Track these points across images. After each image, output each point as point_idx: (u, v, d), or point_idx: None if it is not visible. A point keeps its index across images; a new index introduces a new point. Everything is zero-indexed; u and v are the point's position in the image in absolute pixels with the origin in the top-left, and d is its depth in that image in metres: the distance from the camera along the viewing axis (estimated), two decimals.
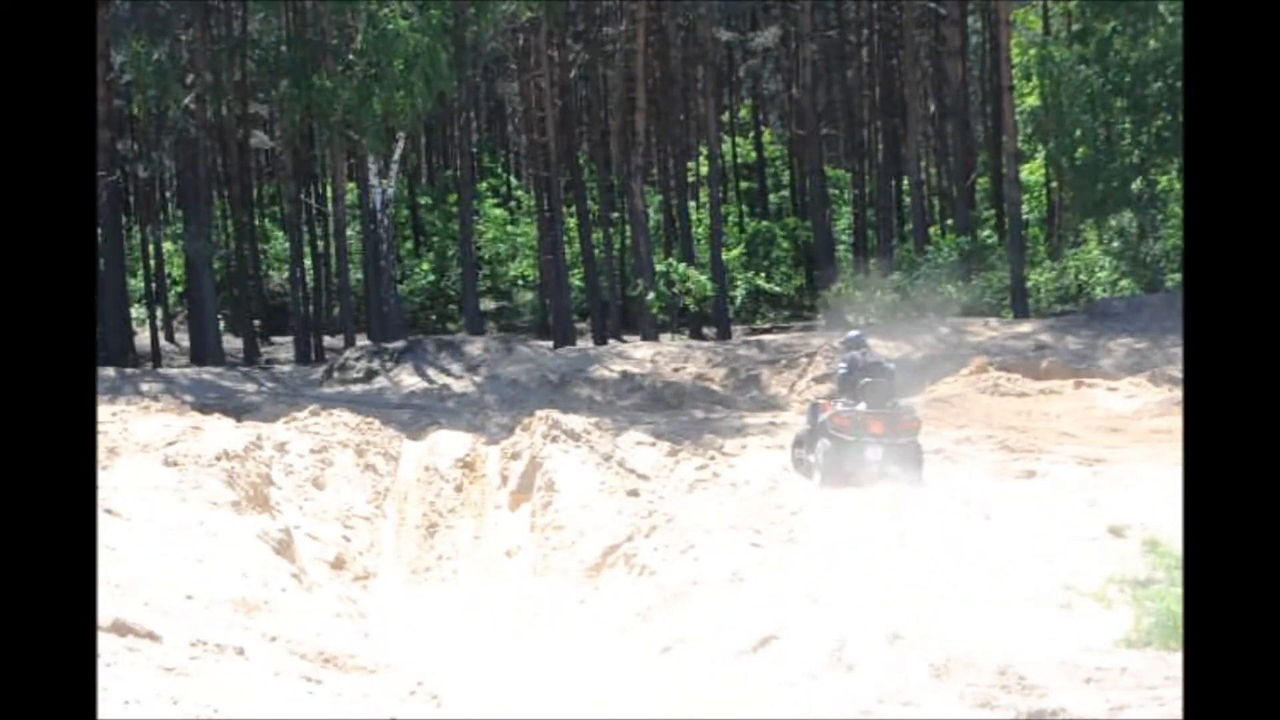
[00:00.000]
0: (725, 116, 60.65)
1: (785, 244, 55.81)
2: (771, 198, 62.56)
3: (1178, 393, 26.43)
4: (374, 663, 11.48)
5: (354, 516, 18.82)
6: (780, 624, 11.78)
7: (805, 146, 52.48)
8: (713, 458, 21.84)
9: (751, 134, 63.69)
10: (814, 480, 19.62)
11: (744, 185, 62.49)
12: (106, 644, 9.80)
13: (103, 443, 20.34)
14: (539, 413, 22.44)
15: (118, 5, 45.52)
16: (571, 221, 51.32)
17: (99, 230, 44.54)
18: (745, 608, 12.79)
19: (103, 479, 17.84)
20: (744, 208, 60.94)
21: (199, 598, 12.51)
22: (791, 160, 60.71)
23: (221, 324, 47.16)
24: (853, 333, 22.89)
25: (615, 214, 54.27)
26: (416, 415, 28.80)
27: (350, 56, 41.35)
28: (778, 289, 53.86)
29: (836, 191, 58.21)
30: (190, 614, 11.95)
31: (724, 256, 49.28)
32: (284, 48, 44.06)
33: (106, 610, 10.65)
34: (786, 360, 34.04)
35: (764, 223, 57.35)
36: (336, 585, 15.80)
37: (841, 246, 55.21)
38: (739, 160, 62.08)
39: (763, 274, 53.37)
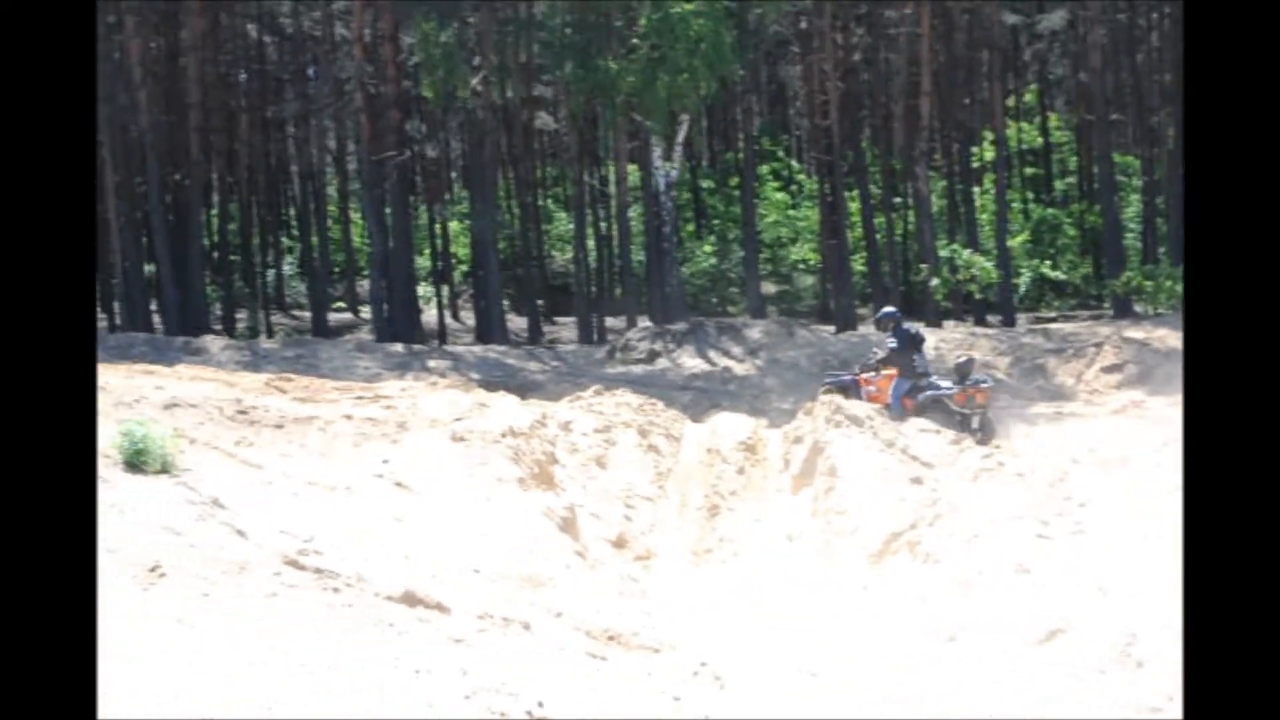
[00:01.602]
0: (1010, 101, 59.62)
1: (1072, 231, 54.72)
2: (1058, 184, 61.39)
3: None
4: (657, 642, 11.49)
5: (636, 496, 18.89)
6: (1068, 617, 11.48)
7: (1093, 132, 51.37)
8: (998, 446, 21.48)
9: (1037, 119, 62.59)
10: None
11: (1029, 171, 61.44)
12: (397, 614, 9.95)
13: (392, 417, 20.77)
14: (821, 397, 22.26)
15: None
16: (853, 206, 50.97)
17: (388, 209, 45.59)
18: (1031, 599, 12.50)
19: (392, 452, 18.21)
20: (1029, 194, 59.92)
21: (486, 571, 12.67)
22: (1079, 146, 59.49)
23: (505, 303, 47.87)
24: (889, 309, 25.65)
25: (898, 199, 53.77)
26: (698, 397, 28.93)
27: (635, 39, 41.59)
28: (1063, 277, 52.81)
29: (1125, 178, 56.83)
30: (478, 587, 12.10)
31: (1009, 243, 48.51)
32: (569, 30, 44.48)
33: (397, 581, 10.83)
34: (1074, 349, 33.42)
35: (1050, 210, 56.30)
36: (619, 564, 15.86)
37: (1130, 234, 53.91)
38: (1024, 146, 61.05)
39: (1048, 261, 52.38)
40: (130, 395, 21.66)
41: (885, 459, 19.09)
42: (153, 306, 46.50)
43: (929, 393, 23.31)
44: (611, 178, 51.45)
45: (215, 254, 53.03)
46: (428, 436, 19.24)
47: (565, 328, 48.87)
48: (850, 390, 23.90)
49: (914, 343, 24.00)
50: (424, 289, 53.65)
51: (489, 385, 28.49)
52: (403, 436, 19.27)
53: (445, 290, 54.26)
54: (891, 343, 23.76)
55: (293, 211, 63.84)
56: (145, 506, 12.72)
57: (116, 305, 47.07)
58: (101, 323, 48.48)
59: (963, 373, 23.74)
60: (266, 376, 25.47)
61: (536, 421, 20.76)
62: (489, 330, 44.74)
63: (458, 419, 20.53)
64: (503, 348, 40.14)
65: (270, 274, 57.40)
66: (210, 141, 50.89)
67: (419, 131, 53.74)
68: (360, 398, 22.62)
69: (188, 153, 47.71)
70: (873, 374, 23.95)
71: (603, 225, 53.10)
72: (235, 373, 27.00)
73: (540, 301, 49.74)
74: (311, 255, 54.51)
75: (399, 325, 43.59)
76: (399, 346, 38.75)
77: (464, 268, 57.86)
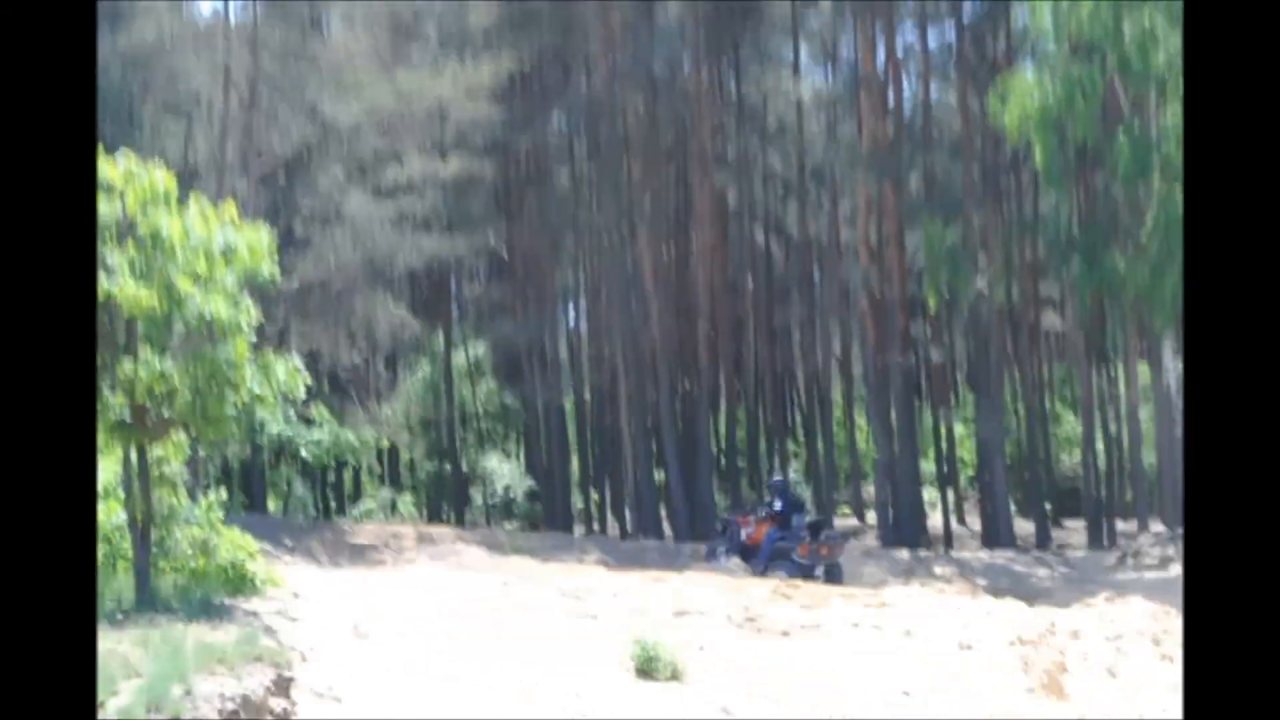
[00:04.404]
0: None
1: None
2: None
3: None
4: None
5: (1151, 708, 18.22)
6: None
7: None
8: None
9: None
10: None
11: None
12: None
13: (896, 626, 20.67)
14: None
15: (912, 191, 46.99)
16: None
17: (893, 411, 45.70)
18: None
19: (894, 666, 18.11)
20: None
21: None
22: None
23: (1012, 506, 47.16)
24: (778, 478, 34.81)
25: None
26: None
27: (1143, 236, 40.81)
28: None
29: None
30: None
31: None
32: (1075, 226, 44.04)
33: None
34: None
35: None
36: None
37: None
38: None
39: None
40: (642, 601, 22.22)
41: None
42: (662, 513, 47.59)
43: (778, 544, 30.26)
44: (1121, 377, 50.41)
45: (722, 460, 54.04)
46: (933, 645, 19.09)
47: (1074, 532, 47.77)
48: (732, 526, 31.95)
49: (795, 506, 31.64)
50: (929, 493, 53.35)
51: (996, 592, 28.06)
52: (906, 644, 19.16)
53: (951, 494, 53.86)
54: (777, 505, 30.95)
55: (798, 416, 64.68)
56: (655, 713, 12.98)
57: (628, 512, 48.44)
58: (613, 530, 49.94)
59: (813, 530, 31.09)
60: (774, 583, 25.74)
61: (1045, 629, 20.35)
62: (996, 535, 44.10)
63: (964, 626, 20.32)
64: (1010, 553, 39.48)
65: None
66: (718, 348, 52.12)
67: (923, 333, 53.92)
68: (866, 605, 22.59)
69: (696, 360, 48.99)
70: (752, 520, 31.34)
71: (1112, 426, 51.95)
72: (742, 579, 27.39)
73: (1048, 505, 48.81)
74: (816, 460, 54.99)
75: (904, 530, 43.44)
76: (904, 552, 38.58)
77: (969, 471, 57.40)
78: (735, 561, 30.69)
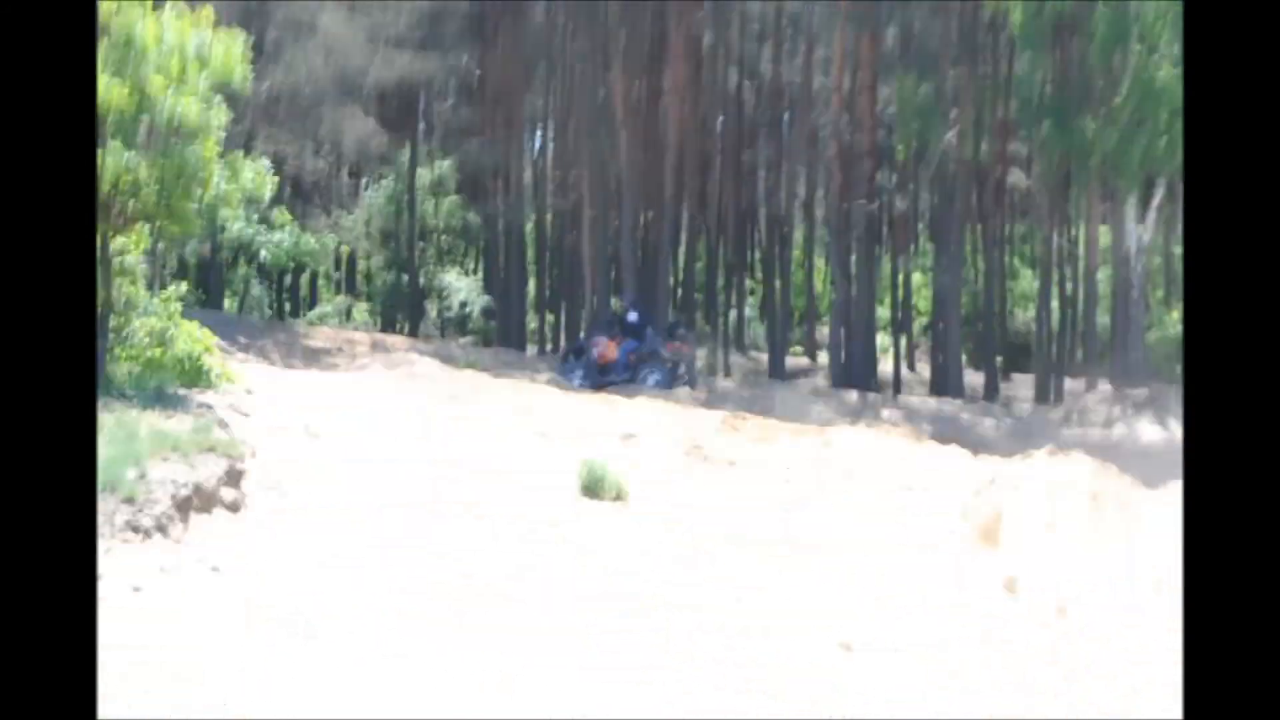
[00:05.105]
0: None
1: None
2: None
3: None
4: None
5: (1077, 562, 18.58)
6: None
7: None
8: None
9: None
10: (648, 386, 32.52)
11: None
12: None
13: (840, 464, 20.97)
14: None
15: (889, 44, 46.78)
16: None
17: (853, 257, 45.86)
18: None
19: (835, 503, 18.41)
20: None
21: None
22: None
23: (963, 358, 47.55)
24: (629, 308, 36.86)
25: None
26: (1156, 465, 28.15)
27: (1115, 102, 40.81)
28: None
29: None
30: None
31: None
32: (1048, 89, 43.97)
33: None
34: None
35: None
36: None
37: None
38: None
39: None
40: (593, 425, 22.50)
41: None
42: None
43: (639, 350, 33.37)
44: (1081, 239, 50.62)
45: (680, 292, 54.25)
46: (874, 485, 19.43)
47: (1022, 386, 48.20)
48: (584, 350, 34.69)
49: (648, 319, 34.98)
50: (882, 338, 53.70)
51: (941, 439, 28.41)
52: (846, 483, 19.48)
53: (904, 341, 54.23)
54: (632, 316, 34.47)
55: (758, 255, 64.82)
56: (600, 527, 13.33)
57: (581, 335, 48.74)
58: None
59: (672, 331, 35.12)
60: (723, 414, 26.02)
61: (986, 478, 20.67)
62: (944, 384, 44.52)
63: (907, 469, 20.61)
64: (958, 402, 39.89)
65: (732, 315, 58.37)
66: (683, 183, 52.06)
67: (889, 182, 53.91)
68: (811, 443, 22.88)
69: (661, 193, 48.93)
70: (603, 339, 33.92)
71: (1068, 286, 52.25)
72: (692, 408, 27.68)
73: (999, 358, 49.20)
74: (773, 299, 55.24)
75: (855, 372, 43.74)
76: (853, 395, 38.97)
77: (924, 320, 57.75)
78: (580, 377, 33.33)
